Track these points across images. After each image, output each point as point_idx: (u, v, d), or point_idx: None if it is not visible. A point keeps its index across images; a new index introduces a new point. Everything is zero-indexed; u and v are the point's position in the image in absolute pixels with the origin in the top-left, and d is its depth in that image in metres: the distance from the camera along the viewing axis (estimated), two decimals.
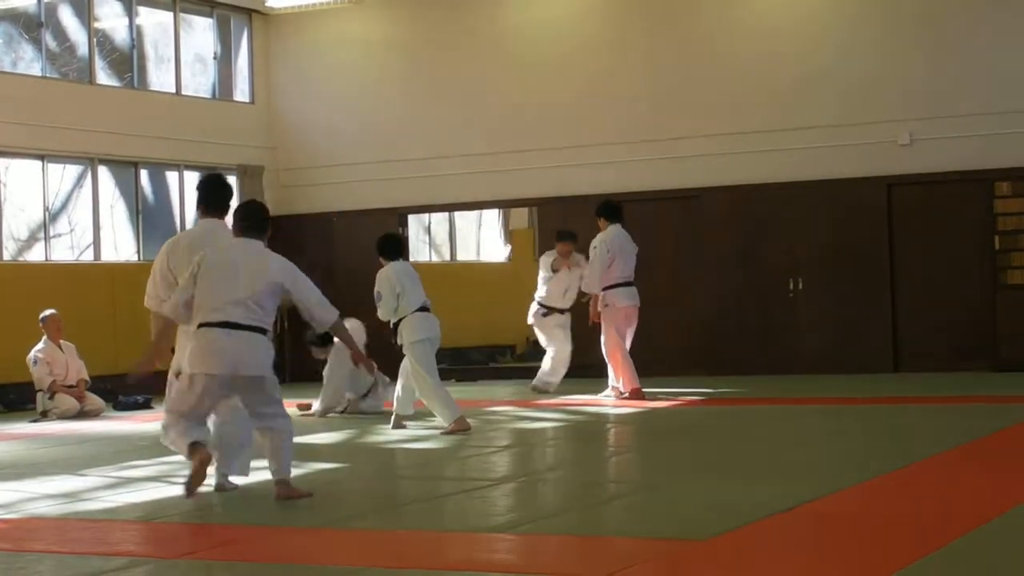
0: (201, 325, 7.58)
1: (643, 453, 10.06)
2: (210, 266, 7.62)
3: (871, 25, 15.91)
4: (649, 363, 15.80)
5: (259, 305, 7.62)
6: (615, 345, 13.38)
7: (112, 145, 16.63)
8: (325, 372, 13.00)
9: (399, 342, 11.19)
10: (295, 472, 8.01)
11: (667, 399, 13.31)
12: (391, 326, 11.21)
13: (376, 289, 11.11)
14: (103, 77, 17.05)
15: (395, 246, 11.46)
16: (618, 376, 13.39)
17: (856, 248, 15.80)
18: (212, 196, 8.30)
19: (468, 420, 11.02)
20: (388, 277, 11.10)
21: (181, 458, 8.35)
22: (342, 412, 12.96)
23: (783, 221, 16.11)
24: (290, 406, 12.75)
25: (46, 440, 11.65)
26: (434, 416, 11.25)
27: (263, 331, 7.66)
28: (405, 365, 11.31)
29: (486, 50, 17.67)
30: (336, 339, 10.75)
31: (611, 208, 13.72)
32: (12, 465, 9.90)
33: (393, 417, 11.51)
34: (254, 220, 7.90)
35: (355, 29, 18.41)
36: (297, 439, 10.88)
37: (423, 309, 11.15)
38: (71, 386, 14.20)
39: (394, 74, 18.18)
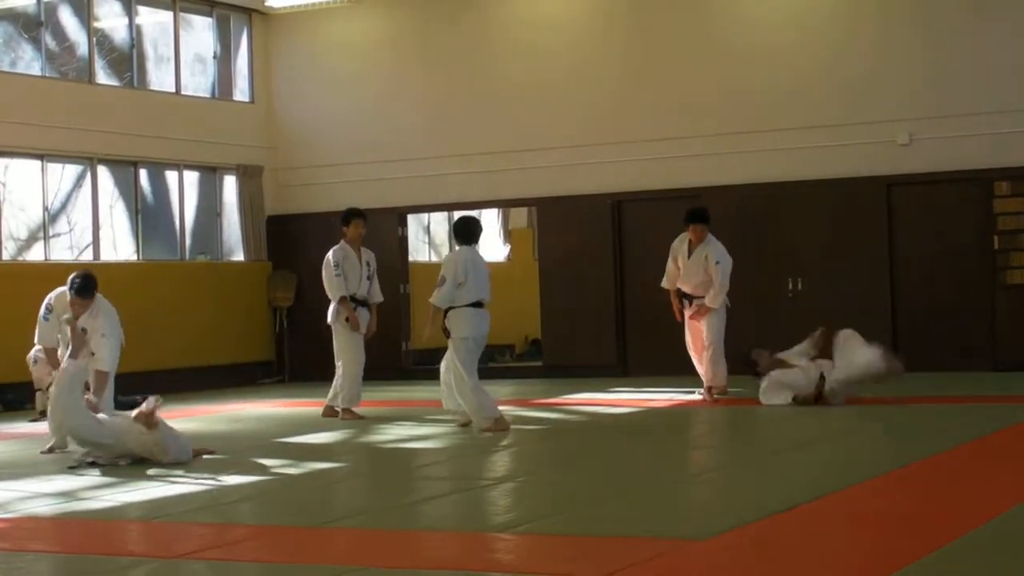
0: None
1: (642, 453, 10.04)
2: None
3: (871, 24, 15.89)
4: (649, 363, 15.85)
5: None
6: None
7: (111, 145, 16.61)
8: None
9: (447, 333, 10.97)
10: (291, 471, 7.98)
11: (666, 399, 13.30)
12: (443, 313, 10.91)
13: (442, 272, 10.87)
14: (103, 77, 17.03)
15: (467, 230, 11.17)
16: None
17: (856, 248, 15.78)
18: None
19: (507, 420, 10.96)
20: (453, 261, 10.90)
21: None
22: None
23: (783, 221, 16.10)
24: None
25: (45, 440, 11.61)
26: (441, 415, 11.23)
27: None
28: (448, 360, 11.12)
29: (485, 50, 17.65)
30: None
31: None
32: (11, 465, 9.90)
33: (455, 415, 11.25)
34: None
35: (355, 29, 18.40)
36: (297, 439, 10.98)
37: (478, 304, 10.94)
38: None
39: (393, 74, 18.16)
